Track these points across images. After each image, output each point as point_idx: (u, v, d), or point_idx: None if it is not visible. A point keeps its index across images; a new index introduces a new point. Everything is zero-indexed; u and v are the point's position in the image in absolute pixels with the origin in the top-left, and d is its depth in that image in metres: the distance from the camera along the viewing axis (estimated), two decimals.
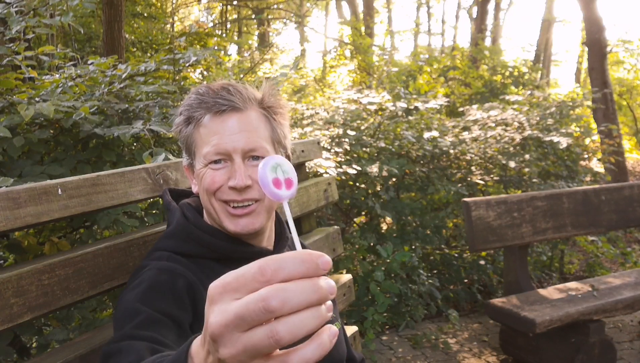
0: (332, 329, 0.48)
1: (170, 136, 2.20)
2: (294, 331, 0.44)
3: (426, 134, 4.60)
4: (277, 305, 0.44)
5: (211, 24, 17.31)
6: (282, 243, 1.22)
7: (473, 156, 4.74)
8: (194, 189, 1.17)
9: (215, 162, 1.07)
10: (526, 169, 4.71)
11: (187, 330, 0.96)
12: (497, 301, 3.15)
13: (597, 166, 5.74)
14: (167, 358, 0.58)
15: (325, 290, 0.46)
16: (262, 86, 1.14)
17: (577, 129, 6.02)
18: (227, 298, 0.46)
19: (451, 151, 4.63)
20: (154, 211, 2.21)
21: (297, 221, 1.97)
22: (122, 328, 0.91)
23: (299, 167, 2.06)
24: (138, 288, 0.99)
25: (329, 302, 0.48)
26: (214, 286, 0.47)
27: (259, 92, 1.13)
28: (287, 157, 1.19)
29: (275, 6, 19.20)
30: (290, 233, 1.04)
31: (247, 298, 0.45)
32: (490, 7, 15.55)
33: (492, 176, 4.78)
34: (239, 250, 1.11)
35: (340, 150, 4.13)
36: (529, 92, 6.97)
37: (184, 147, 1.14)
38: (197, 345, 0.53)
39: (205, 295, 0.61)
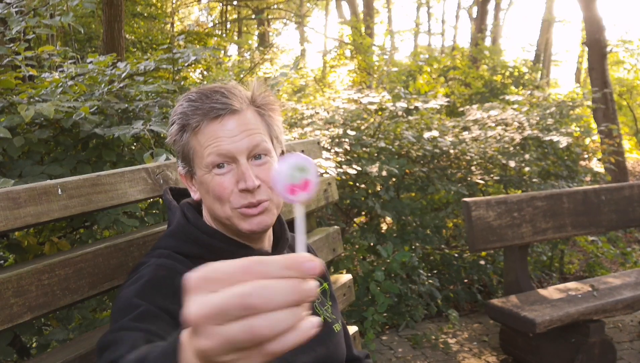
0: (314, 319, 0.48)
1: None
2: (273, 327, 0.45)
3: (426, 134, 4.60)
4: (258, 303, 0.45)
5: (211, 24, 17.32)
6: (281, 244, 1.21)
7: (473, 156, 4.73)
8: (194, 196, 1.16)
9: (219, 166, 1.06)
10: (526, 169, 4.71)
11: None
12: (497, 301, 3.15)
13: (597, 166, 5.73)
14: (158, 348, 0.58)
15: (306, 293, 0.47)
16: (251, 85, 1.13)
17: (577, 129, 6.02)
18: (206, 290, 0.47)
19: (451, 151, 4.63)
20: (154, 211, 2.21)
21: None
22: (119, 322, 0.90)
23: None
24: (137, 283, 0.99)
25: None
26: (193, 276, 0.47)
27: (249, 91, 1.12)
28: (282, 153, 1.18)
29: (275, 6, 19.21)
30: (294, 232, 1.02)
31: (228, 292, 0.45)
32: (490, 7, 15.56)
33: (492, 176, 4.77)
34: (238, 252, 1.10)
35: (340, 150, 4.12)
36: (529, 92, 6.97)
37: (181, 156, 1.12)
38: (186, 335, 0.53)
39: None
